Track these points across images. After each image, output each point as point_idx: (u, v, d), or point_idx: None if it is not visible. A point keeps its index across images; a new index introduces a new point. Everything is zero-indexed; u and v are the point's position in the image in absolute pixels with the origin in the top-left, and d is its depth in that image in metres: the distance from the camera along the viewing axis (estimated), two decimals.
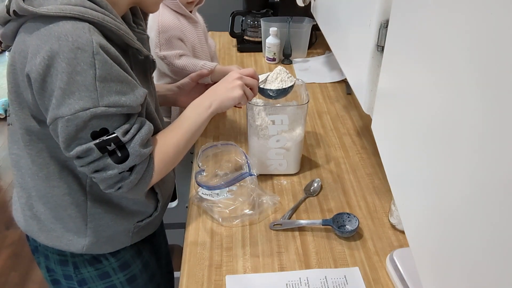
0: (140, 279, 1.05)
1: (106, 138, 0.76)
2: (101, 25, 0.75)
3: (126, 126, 0.78)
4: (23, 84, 0.77)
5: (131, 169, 0.80)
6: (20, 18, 0.75)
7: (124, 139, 0.77)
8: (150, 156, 0.84)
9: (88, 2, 0.74)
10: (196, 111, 0.93)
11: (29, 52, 0.72)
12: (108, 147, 0.76)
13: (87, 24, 0.72)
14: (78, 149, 0.75)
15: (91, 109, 0.72)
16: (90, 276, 0.98)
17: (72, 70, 0.70)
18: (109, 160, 0.77)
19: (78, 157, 0.77)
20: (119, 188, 0.81)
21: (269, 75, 1.10)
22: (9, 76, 0.79)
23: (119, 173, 0.79)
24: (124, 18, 0.87)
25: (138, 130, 0.80)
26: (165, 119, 1.31)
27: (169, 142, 0.88)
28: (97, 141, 0.75)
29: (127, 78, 0.77)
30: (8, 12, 0.75)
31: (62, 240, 0.91)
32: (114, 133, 0.76)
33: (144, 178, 0.83)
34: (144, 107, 0.85)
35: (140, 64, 0.89)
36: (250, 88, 1.00)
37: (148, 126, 0.82)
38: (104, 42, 0.73)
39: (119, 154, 0.77)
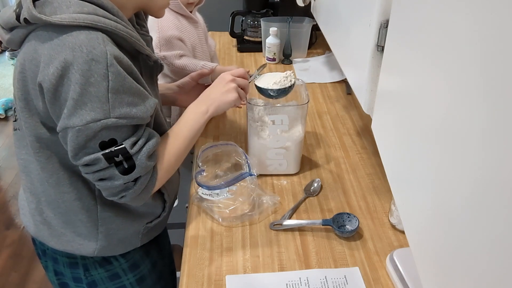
0: (149, 279, 1.05)
1: (115, 149, 0.76)
2: (114, 33, 0.74)
3: (134, 138, 0.78)
4: (34, 92, 0.76)
5: (135, 180, 0.81)
6: (30, 25, 0.74)
7: (132, 151, 0.77)
8: (154, 167, 0.85)
9: (101, 10, 0.74)
10: (194, 117, 0.94)
11: (41, 61, 0.72)
12: (115, 158, 0.76)
13: (101, 33, 0.72)
14: (86, 158, 0.76)
15: (102, 121, 0.72)
16: (100, 278, 0.98)
17: (86, 82, 0.70)
18: (115, 171, 0.77)
19: (85, 164, 0.77)
20: (122, 197, 0.82)
21: (271, 76, 1.11)
22: (18, 83, 0.78)
23: (124, 183, 0.79)
24: (128, 20, 0.87)
25: (145, 142, 0.80)
26: (166, 119, 1.31)
27: (170, 151, 0.88)
28: (106, 151, 0.76)
29: (139, 90, 0.77)
30: (17, 19, 0.74)
31: (73, 245, 0.92)
32: (122, 144, 0.77)
33: (147, 188, 0.84)
34: (153, 117, 0.85)
35: (149, 69, 0.89)
36: (242, 88, 1.01)
37: (155, 139, 0.82)
38: (117, 52, 0.73)
39: (126, 165, 0.78)
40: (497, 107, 0.35)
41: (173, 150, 0.89)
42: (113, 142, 0.76)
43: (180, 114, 1.43)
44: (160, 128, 0.91)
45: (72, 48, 0.69)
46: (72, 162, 0.78)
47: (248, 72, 1.29)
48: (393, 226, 1.05)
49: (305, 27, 1.89)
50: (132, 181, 0.80)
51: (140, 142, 0.79)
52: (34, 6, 0.72)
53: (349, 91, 1.68)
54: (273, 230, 1.04)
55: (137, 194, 0.83)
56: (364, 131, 1.43)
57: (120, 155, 0.77)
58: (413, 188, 0.55)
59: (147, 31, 0.96)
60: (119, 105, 0.73)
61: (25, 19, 0.72)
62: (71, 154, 0.76)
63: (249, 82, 1.07)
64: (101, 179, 0.79)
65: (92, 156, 0.75)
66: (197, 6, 1.45)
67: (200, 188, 1.06)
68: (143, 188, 0.83)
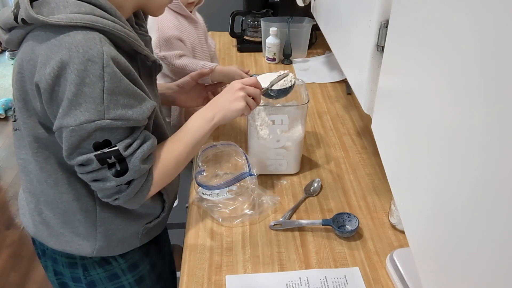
0: (148, 280, 1.05)
1: (107, 151, 0.76)
2: (111, 33, 0.74)
3: (128, 140, 0.77)
4: (31, 93, 0.76)
5: (128, 183, 0.80)
6: (28, 26, 0.74)
7: (125, 153, 0.77)
8: (150, 170, 0.84)
9: (98, 10, 0.74)
10: (198, 124, 0.91)
11: (38, 61, 0.72)
12: (108, 159, 0.76)
13: (98, 33, 0.72)
14: (79, 158, 0.76)
15: (96, 122, 0.72)
16: (99, 278, 0.98)
17: (81, 82, 0.70)
18: (107, 173, 0.77)
19: (79, 165, 0.77)
20: (116, 199, 0.81)
21: (270, 76, 1.10)
22: (16, 83, 0.78)
23: (116, 185, 0.79)
24: (127, 20, 0.87)
25: (140, 145, 0.79)
26: (166, 119, 1.31)
27: (169, 156, 0.87)
28: (98, 152, 0.75)
29: (135, 92, 0.77)
30: (15, 19, 0.74)
31: (72, 245, 0.91)
32: (115, 146, 0.76)
33: (141, 191, 0.83)
34: (151, 119, 0.84)
35: (147, 69, 0.89)
36: (252, 98, 0.96)
37: (151, 142, 0.81)
38: (114, 53, 0.73)
39: (118, 168, 0.77)
40: (497, 107, 0.35)
41: (172, 155, 0.88)
42: (107, 143, 0.76)
43: (180, 114, 1.44)
44: (159, 129, 0.90)
45: (68, 48, 0.69)
46: (67, 162, 0.78)
47: (248, 72, 1.29)
48: (393, 226, 1.05)
49: (305, 27, 1.89)
50: (125, 184, 0.79)
51: (134, 145, 0.78)
52: (32, 6, 0.72)
53: (349, 91, 1.68)
54: (273, 230, 1.04)
55: (131, 197, 0.82)
56: (364, 131, 1.43)
57: (112, 157, 0.76)
58: (413, 188, 0.55)
59: (146, 31, 0.96)
60: (114, 107, 0.73)
61: (22, 19, 0.72)
62: (65, 154, 0.76)
63: (262, 93, 1.02)
64: (94, 180, 0.79)
65: (85, 157, 0.75)
66: (197, 6, 1.45)
67: (200, 188, 1.06)
68: (136, 191, 0.82)
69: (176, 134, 0.91)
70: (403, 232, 1.03)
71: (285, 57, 1.92)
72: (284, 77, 1.08)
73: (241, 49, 2.02)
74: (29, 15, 0.71)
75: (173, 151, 0.88)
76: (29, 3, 0.71)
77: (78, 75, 0.69)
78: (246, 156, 1.11)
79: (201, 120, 0.92)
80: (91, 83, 0.70)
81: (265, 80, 1.10)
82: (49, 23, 0.70)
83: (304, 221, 1.04)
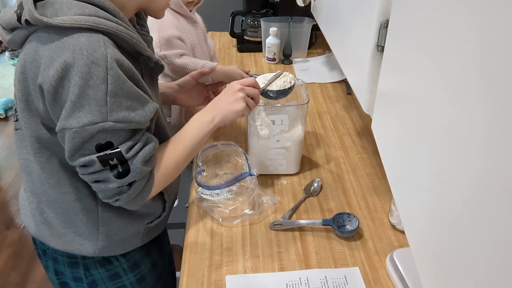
0: (149, 279, 1.06)
1: (110, 152, 0.76)
2: (115, 35, 0.74)
3: (131, 142, 0.78)
4: (34, 93, 0.77)
5: (130, 184, 0.80)
6: (31, 27, 0.74)
7: (127, 155, 0.77)
8: (151, 172, 0.84)
9: (102, 11, 0.74)
10: (198, 126, 0.92)
11: (42, 63, 0.72)
12: (110, 161, 0.76)
13: (102, 35, 0.72)
14: (81, 159, 0.76)
15: (99, 124, 0.72)
16: (100, 278, 0.98)
17: (85, 84, 0.70)
18: (109, 174, 0.77)
19: (81, 166, 0.78)
20: (116, 200, 0.82)
21: (270, 76, 1.10)
22: (19, 84, 0.78)
23: (118, 187, 0.79)
24: (129, 21, 0.87)
25: (142, 147, 0.80)
26: (167, 119, 1.31)
27: (170, 158, 0.88)
28: (100, 154, 0.75)
29: (138, 94, 0.77)
30: (19, 20, 0.74)
31: (73, 245, 0.92)
32: (118, 148, 0.76)
33: (142, 193, 0.84)
34: (153, 120, 0.85)
35: (150, 70, 0.89)
36: (251, 98, 0.97)
37: (153, 144, 0.82)
38: (118, 55, 0.73)
39: (120, 169, 0.78)
40: (497, 107, 0.35)
41: (172, 157, 0.88)
42: (109, 145, 0.76)
43: (180, 113, 1.44)
44: (161, 131, 0.91)
45: (72, 51, 0.69)
46: (69, 163, 0.78)
47: (248, 72, 1.29)
48: (393, 226, 1.05)
49: (305, 27, 1.89)
50: (126, 185, 0.80)
51: (136, 147, 0.78)
52: (35, 7, 0.72)
53: (349, 91, 1.68)
54: (273, 230, 1.04)
55: (132, 199, 0.82)
56: (364, 131, 1.43)
57: (115, 159, 0.76)
58: (413, 188, 0.55)
59: (148, 31, 0.96)
60: (117, 109, 0.73)
61: (26, 20, 0.72)
62: (68, 155, 0.77)
63: (260, 91, 1.02)
64: (96, 181, 0.79)
65: (87, 158, 0.75)
66: (196, 5, 1.45)
67: (200, 188, 1.06)
68: (137, 193, 0.82)
69: (176, 136, 0.92)
70: (403, 232, 1.03)
71: (285, 57, 1.92)
72: (279, 76, 1.08)
73: (241, 49, 2.02)
74: (33, 17, 0.70)
75: (173, 153, 0.88)
76: (33, 4, 0.71)
77: (82, 77, 0.69)
78: (246, 156, 1.11)
79: (200, 122, 0.92)
80: (95, 85, 0.70)
81: (264, 81, 1.10)
82: (53, 24, 0.70)
83: (304, 221, 1.04)
